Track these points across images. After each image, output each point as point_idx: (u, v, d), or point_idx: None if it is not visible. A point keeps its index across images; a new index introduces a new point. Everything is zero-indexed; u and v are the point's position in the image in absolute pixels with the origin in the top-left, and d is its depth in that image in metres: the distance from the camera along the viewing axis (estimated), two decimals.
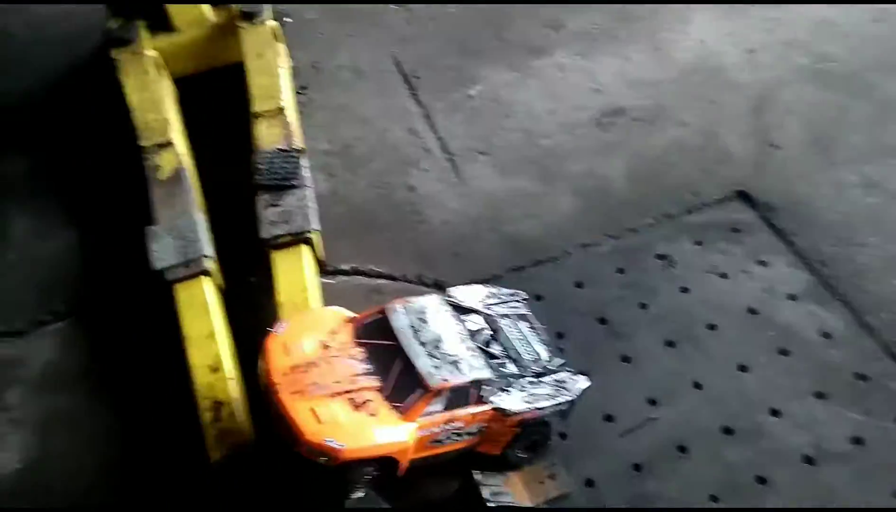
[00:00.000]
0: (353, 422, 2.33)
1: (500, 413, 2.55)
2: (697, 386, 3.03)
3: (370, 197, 3.57)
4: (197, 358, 2.69)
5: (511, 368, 2.68)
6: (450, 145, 3.81)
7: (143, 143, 3.31)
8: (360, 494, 2.40)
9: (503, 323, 2.81)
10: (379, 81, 4.09)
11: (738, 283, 3.35)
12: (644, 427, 2.90)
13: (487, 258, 3.37)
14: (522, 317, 2.90)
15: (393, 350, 2.48)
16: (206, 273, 2.94)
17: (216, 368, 2.66)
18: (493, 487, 2.60)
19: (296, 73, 4.01)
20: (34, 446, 2.78)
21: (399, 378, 2.44)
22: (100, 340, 3.06)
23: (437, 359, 2.46)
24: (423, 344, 2.49)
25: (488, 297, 2.90)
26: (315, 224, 3.08)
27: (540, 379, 2.70)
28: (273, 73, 3.60)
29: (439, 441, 2.51)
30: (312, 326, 2.59)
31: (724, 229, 3.54)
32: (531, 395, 2.63)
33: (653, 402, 2.99)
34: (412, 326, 2.54)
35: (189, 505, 2.43)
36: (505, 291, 2.97)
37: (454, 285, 3.17)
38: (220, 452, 2.47)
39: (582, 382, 2.76)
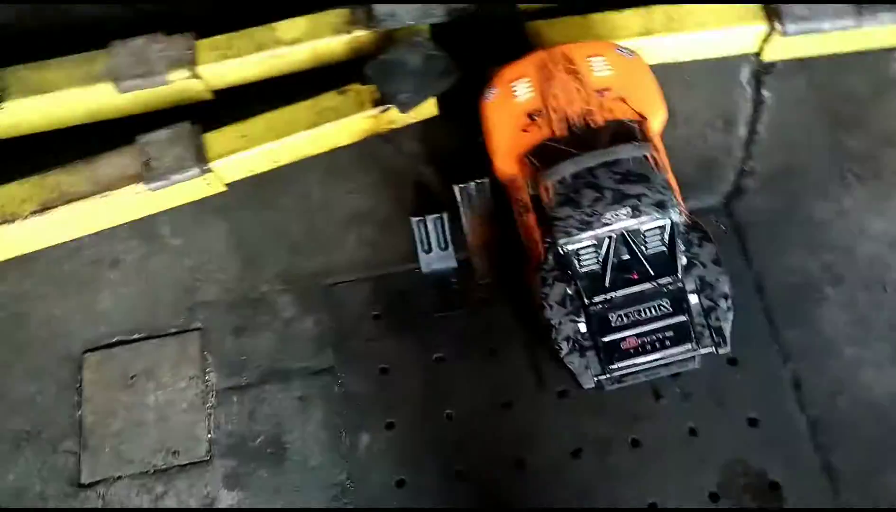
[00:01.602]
0: (513, 115, 2.36)
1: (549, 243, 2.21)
2: None
3: None
4: None
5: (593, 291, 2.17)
6: None
7: None
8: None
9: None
10: None
11: None
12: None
13: None
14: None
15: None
16: None
17: None
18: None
19: None
20: None
21: (563, 154, 2.22)
22: None
23: (573, 191, 2.17)
24: (594, 175, 2.16)
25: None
26: None
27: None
28: None
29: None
30: (638, 80, 2.39)
31: None
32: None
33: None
34: (608, 165, 2.17)
35: None
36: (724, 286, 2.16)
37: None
38: None
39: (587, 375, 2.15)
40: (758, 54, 2.68)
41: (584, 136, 2.26)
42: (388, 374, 2.41)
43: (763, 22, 2.55)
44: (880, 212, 2.50)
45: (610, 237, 2.15)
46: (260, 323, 2.50)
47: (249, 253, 2.59)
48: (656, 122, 2.37)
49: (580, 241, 2.15)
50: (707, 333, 2.15)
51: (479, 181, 2.50)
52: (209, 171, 2.49)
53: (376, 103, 2.55)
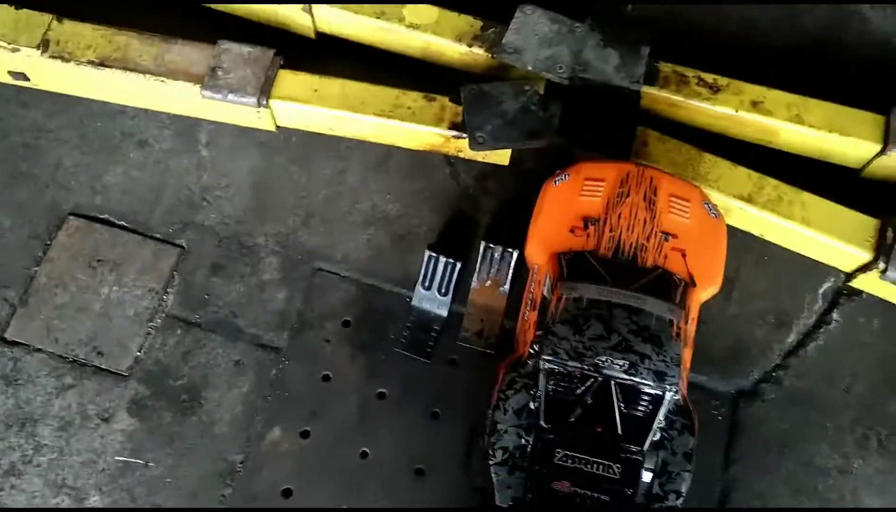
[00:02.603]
0: (569, 211, 2.20)
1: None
2: None
3: None
4: None
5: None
6: None
7: None
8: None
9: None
10: None
11: None
12: None
13: None
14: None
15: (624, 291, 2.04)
16: None
17: None
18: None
19: None
20: None
21: (595, 275, 2.07)
22: None
23: (582, 315, 2.00)
24: (611, 312, 2.00)
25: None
26: None
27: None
28: None
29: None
30: (709, 244, 2.19)
31: None
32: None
33: None
34: (630, 310, 2.00)
35: None
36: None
37: None
38: None
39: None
40: (849, 276, 2.46)
41: (624, 269, 2.09)
42: (328, 382, 2.32)
43: (869, 252, 2.33)
44: (883, 489, 2.29)
45: (595, 378, 2.00)
46: (239, 271, 2.42)
47: (264, 200, 2.51)
48: (705, 292, 2.18)
49: (564, 366, 2.00)
50: None
51: (508, 249, 2.37)
52: (266, 106, 2.41)
53: (453, 126, 2.43)
